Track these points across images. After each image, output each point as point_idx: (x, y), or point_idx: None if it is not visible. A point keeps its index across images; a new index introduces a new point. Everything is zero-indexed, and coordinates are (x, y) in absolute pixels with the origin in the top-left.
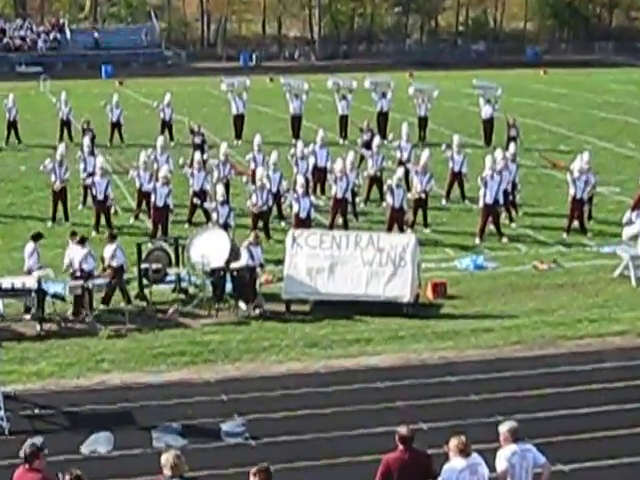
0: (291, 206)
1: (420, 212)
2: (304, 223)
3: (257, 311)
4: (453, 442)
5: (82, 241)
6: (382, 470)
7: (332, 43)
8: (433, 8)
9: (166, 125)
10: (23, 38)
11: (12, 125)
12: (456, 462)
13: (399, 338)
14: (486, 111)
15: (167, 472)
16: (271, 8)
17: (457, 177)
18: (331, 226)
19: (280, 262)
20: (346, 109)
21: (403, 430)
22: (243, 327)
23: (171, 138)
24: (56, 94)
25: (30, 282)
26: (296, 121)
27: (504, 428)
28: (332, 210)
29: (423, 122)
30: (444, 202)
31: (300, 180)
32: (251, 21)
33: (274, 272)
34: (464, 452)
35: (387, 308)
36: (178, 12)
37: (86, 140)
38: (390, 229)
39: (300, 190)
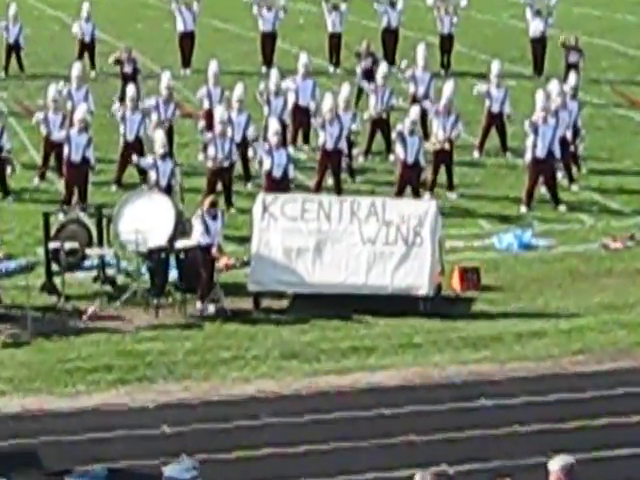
0: (261, 161)
1: (443, 169)
2: (279, 185)
3: (213, 309)
4: None
5: None
6: None
7: None
8: None
9: (86, 47)
10: None
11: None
12: None
13: (414, 346)
14: (536, 27)
15: None
16: None
17: (495, 120)
18: (318, 189)
19: (246, 240)
20: (338, 25)
21: (420, 477)
22: (194, 331)
23: (92, 66)
24: None
25: None
26: (268, 41)
27: (556, 466)
28: (319, 167)
29: (447, 42)
30: (477, 155)
31: (273, 125)
32: None
33: (238, 254)
34: None
35: (397, 304)
36: None
37: None
38: (401, 193)
39: (274, 139)
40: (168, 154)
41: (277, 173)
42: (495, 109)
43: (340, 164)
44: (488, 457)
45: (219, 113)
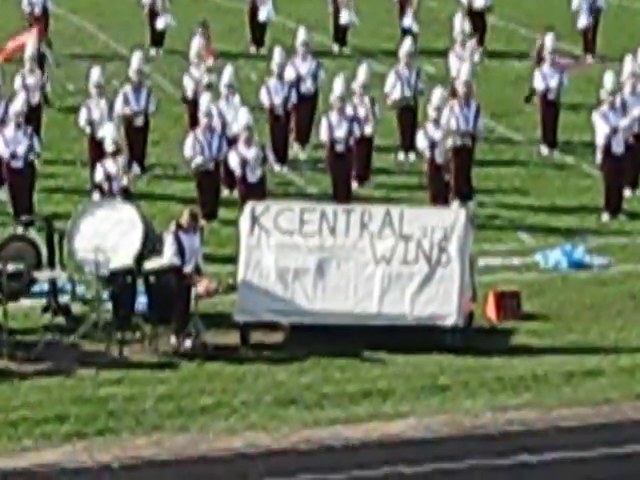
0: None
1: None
2: (255, 191)
3: (191, 344)
4: None
5: None
6: None
7: None
8: None
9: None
10: None
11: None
12: None
13: (440, 389)
14: None
15: None
16: None
17: (550, 108)
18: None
19: (231, 260)
20: None
21: None
22: (167, 372)
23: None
24: None
25: None
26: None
27: None
28: (330, 168)
29: (478, 16)
30: (545, 151)
31: (243, 117)
32: None
33: (221, 277)
34: None
35: (418, 337)
36: None
37: None
38: (435, 200)
39: (243, 134)
40: (119, 152)
41: (252, 178)
42: (551, 97)
43: (350, 166)
44: None
45: (204, 102)
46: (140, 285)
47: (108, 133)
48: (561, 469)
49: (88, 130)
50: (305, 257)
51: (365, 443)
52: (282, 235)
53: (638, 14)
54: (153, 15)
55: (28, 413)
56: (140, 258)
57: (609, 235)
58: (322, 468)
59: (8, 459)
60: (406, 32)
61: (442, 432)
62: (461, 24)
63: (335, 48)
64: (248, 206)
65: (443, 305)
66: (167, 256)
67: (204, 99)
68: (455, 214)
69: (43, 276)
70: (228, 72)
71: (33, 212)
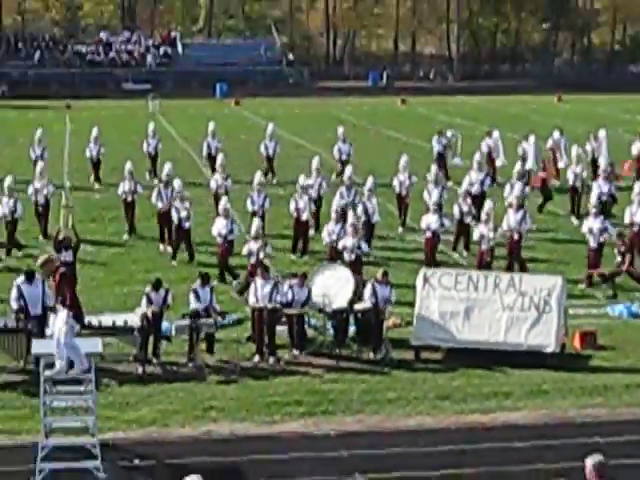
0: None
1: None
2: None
3: (383, 358)
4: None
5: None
6: None
7: (472, 62)
8: (586, 24)
9: (269, 161)
10: (131, 52)
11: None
12: None
13: (542, 393)
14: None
15: None
16: (404, 23)
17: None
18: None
19: (409, 304)
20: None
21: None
22: (367, 376)
23: (272, 172)
24: (166, 115)
25: (133, 320)
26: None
27: (589, 462)
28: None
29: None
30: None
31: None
32: (382, 37)
33: (403, 315)
34: None
35: (529, 358)
36: (301, 26)
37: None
38: (510, 268)
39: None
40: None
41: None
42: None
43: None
44: None
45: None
46: (351, 319)
47: None
48: (622, 448)
49: None
50: (457, 304)
51: (493, 426)
52: (443, 290)
53: None
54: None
55: (277, 398)
56: (352, 302)
57: None
58: (466, 441)
59: (263, 428)
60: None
61: (542, 420)
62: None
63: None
64: (421, 271)
65: (546, 338)
66: (368, 300)
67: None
68: (555, 279)
69: (291, 311)
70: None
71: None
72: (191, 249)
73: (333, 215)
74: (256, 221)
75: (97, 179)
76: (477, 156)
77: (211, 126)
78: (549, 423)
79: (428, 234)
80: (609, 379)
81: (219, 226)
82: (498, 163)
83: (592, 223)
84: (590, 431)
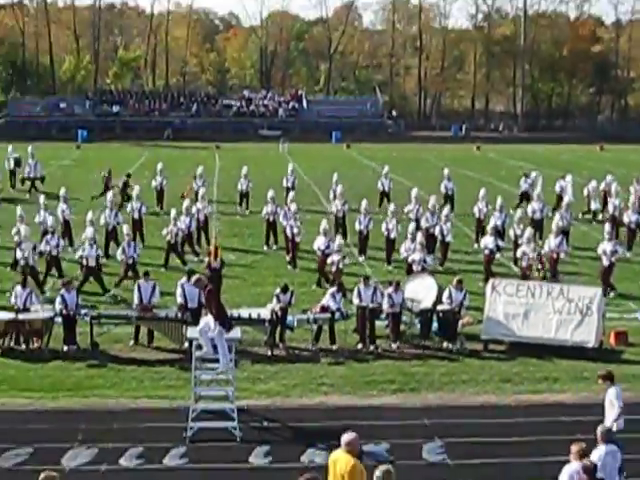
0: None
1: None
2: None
3: (458, 348)
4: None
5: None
6: None
7: (533, 117)
8: (623, 89)
9: (385, 195)
10: (266, 106)
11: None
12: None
13: (584, 379)
14: None
15: None
16: (480, 86)
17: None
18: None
19: (477, 309)
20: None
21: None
22: (446, 362)
23: (388, 199)
24: (292, 155)
25: (264, 313)
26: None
27: (599, 429)
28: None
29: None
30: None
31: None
32: (462, 97)
33: (474, 316)
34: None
35: (574, 352)
36: (399, 87)
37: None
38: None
39: None
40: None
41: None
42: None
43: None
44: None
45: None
46: (434, 317)
47: None
48: None
49: None
50: (518, 308)
51: (544, 404)
52: (507, 296)
53: None
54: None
55: (376, 378)
56: (435, 304)
57: None
58: (522, 415)
59: (364, 400)
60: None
61: (583, 401)
62: None
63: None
64: (490, 281)
65: (587, 336)
66: (445, 304)
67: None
68: (596, 290)
69: (388, 310)
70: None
71: None
72: (294, 258)
73: (409, 235)
74: (338, 239)
75: (243, 205)
76: (538, 189)
77: (335, 177)
78: (589, 403)
79: (486, 252)
80: (636, 369)
81: (319, 242)
82: (565, 199)
83: (606, 246)
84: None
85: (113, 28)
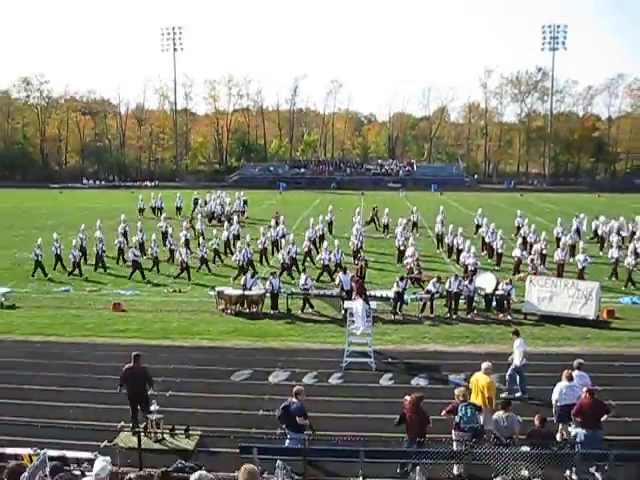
0: None
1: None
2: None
3: (509, 317)
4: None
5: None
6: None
7: (555, 177)
8: (613, 159)
9: (487, 247)
10: (392, 169)
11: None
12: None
13: (587, 338)
14: None
15: None
16: (522, 157)
17: None
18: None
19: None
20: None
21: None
22: (501, 325)
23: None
24: (408, 198)
25: (390, 294)
26: None
27: (576, 362)
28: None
29: None
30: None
31: None
32: (511, 163)
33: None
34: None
35: (580, 321)
36: (472, 158)
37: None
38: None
39: None
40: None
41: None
42: None
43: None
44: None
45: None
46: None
47: None
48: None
49: None
50: (546, 293)
51: (559, 354)
52: (539, 287)
53: None
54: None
55: (457, 334)
56: (494, 290)
57: None
58: (541, 361)
59: (450, 348)
60: None
61: (586, 352)
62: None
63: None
64: (528, 277)
65: (589, 312)
66: (500, 290)
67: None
68: (595, 284)
69: (466, 293)
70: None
71: None
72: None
73: (468, 247)
74: (439, 250)
75: (386, 231)
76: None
77: (440, 212)
78: (588, 353)
79: (557, 259)
80: (622, 334)
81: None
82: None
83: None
84: (611, 360)
85: (301, 122)
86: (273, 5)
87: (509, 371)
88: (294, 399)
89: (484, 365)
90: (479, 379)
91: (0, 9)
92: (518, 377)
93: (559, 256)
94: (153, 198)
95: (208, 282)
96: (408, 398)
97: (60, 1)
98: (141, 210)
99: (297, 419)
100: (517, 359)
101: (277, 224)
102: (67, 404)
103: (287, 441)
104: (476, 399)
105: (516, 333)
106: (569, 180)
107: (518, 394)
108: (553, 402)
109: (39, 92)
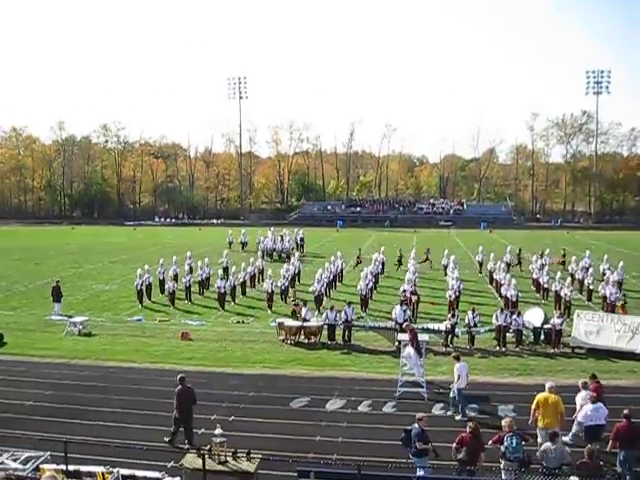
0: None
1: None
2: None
3: (556, 351)
4: None
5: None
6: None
7: (600, 215)
8: None
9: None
10: (443, 208)
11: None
12: None
13: (634, 372)
14: None
15: None
16: (568, 196)
17: None
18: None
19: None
20: None
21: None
22: (548, 358)
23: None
24: (458, 237)
25: (442, 327)
26: None
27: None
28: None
29: None
30: None
31: None
32: (557, 202)
33: (567, 332)
34: None
35: (628, 355)
36: (520, 197)
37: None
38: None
39: None
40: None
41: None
42: None
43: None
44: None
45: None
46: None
47: None
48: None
49: None
50: (593, 327)
51: (607, 386)
52: (586, 320)
53: None
54: None
55: (506, 366)
56: (542, 324)
57: None
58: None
59: (498, 379)
60: None
61: (633, 385)
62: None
63: None
64: (576, 312)
65: (635, 345)
66: (547, 323)
67: None
68: None
69: (514, 327)
70: None
71: None
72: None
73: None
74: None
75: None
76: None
77: (480, 248)
78: (635, 387)
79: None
80: None
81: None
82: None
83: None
84: None
85: (357, 163)
86: (331, 55)
87: (454, 394)
88: (415, 425)
89: (548, 384)
90: (549, 398)
91: (82, 62)
92: (459, 398)
93: (608, 292)
94: (243, 234)
95: (282, 311)
96: (472, 425)
97: (135, 55)
98: (230, 244)
99: (417, 444)
100: (463, 382)
101: (427, 259)
102: (132, 425)
103: (420, 471)
104: (545, 416)
105: (456, 358)
106: (614, 218)
107: (458, 417)
108: (576, 421)
109: (116, 137)
